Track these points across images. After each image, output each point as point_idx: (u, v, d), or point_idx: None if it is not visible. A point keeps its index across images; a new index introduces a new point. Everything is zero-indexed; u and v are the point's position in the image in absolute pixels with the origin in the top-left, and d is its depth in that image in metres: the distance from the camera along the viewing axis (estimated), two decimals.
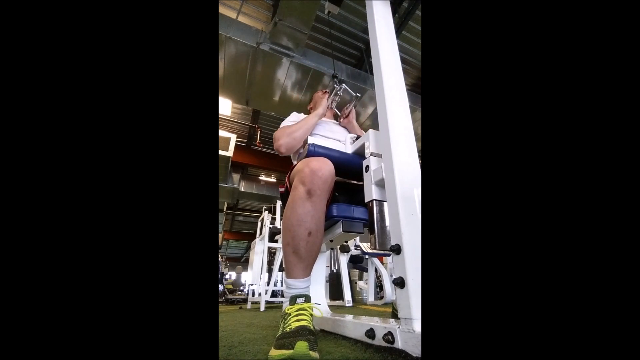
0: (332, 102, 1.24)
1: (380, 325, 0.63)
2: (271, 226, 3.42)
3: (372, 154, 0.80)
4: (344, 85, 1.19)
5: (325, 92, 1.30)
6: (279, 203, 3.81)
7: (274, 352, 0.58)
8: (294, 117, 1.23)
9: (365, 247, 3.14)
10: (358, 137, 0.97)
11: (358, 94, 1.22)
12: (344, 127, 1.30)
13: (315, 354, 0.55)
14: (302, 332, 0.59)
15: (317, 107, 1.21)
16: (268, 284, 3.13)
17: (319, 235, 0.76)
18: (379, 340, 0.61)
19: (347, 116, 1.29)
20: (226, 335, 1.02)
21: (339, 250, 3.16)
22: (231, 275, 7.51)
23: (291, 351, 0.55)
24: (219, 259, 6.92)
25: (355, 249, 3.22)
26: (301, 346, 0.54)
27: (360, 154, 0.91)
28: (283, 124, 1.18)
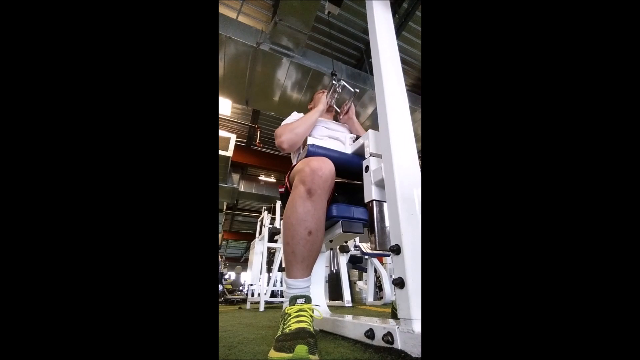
0: (331, 99, 1.25)
1: (380, 326, 0.63)
2: (271, 226, 3.42)
3: (371, 154, 0.80)
4: (342, 82, 1.22)
5: (324, 91, 1.32)
6: (278, 203, 3.80)
7: (273, 354, 0.57)
8: (295, 116, 1.24)
9: (365, 247, 3.14)
10: (358, 137, 0.97)
11: (356, 90, 1.25)
12: (345, 124, 1.31)
13: (315, 357, 0.54)
14: (301, 335, 0.58)
15: (317, 104, 1.22)
16: (268, 285, 3.12)
17: (319, 235, 0.76)
18: (378, 341, 0.61)
19: (347, 112, 1.30)
20: (226, 335, 1.02)
21: (338, 251, 3.16)
22: (230, 275, 7.51)
23: (291, 355, 0.54)
24: (219, 259, 6.92)
25: (355, 250, 3.22)
26: (301, 350, 0.54)
27: (360, 154, 0.91)
28: (284, 122, 1.19)
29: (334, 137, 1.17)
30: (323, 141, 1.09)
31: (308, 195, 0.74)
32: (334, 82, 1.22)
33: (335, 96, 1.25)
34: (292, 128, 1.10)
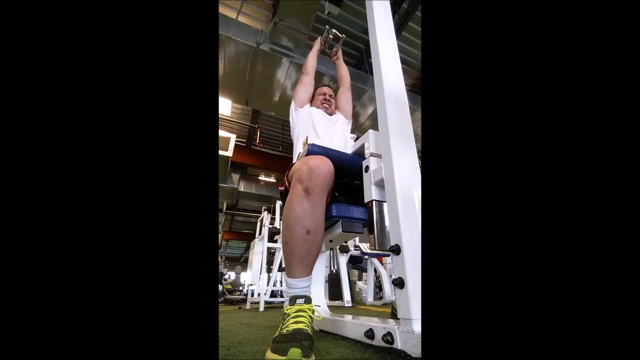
0: (324, 42, 1.61)
1: (380, 326, 0.63)
2: (270, 226, 3.42)
3: (371, 155, 0.80)
4: (333, 30, 1.57)
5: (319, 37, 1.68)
6: (278, 203, 3.80)
7: (269, 355, 0.57)
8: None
9: (365, 247, 3.14)
10: (357, 138, 0.97)
11: (343, 35, 1.61)
12: (338, 115, 1.55)
13: None
14: (297, 337, 0.58)
15: (314, 45, 1.61)
16: (267, 285, 3.12)
17: (319, 234, 0.75)
18: (378, 341, 0.61)
19: (336, 54, 1.67)
20: (225, 335, 1.02)
21: (338, 251, 3.16)
22: (230, 275, 7.51)
23: (284, 358, 0.54)
24: (219, 259, 6.92)
25: (355, 249, 3.22)
26: (294, 353, 0.54)
27: (359, 154, 0.91)
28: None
29: (330, 124, 1.42)
30: (321, 130, 1.33)
31: (306, 194, 0.74)
32: (327, 26, 1.59)
33: (328, 40, 1.60)
34: (306, 60, 1.57)
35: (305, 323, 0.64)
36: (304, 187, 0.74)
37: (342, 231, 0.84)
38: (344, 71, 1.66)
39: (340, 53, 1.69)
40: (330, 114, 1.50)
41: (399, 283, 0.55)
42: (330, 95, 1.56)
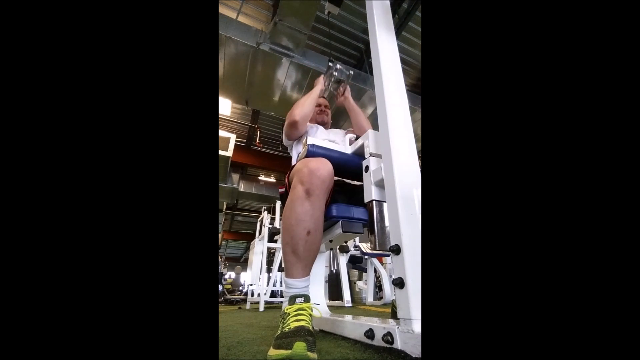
0: (328, 81, 1.30)
1: (380, 326, 0.63)
2: (270, 226, 3.42)
3: (371, 155, 0.80)
4: (338, 65, 1.26)
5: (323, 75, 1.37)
6: (278, 203, 3.80)
7: (272, 352, 0.58)
8: None
9: (365, 247, 3.14)
10: (357, 137, 0.97)
11: (351, 72, 1.29)
12: (341, 130, 1.39)
13: (313, 355, 0.55)
14: (300, 333, 0.59)
15: (316, 85, 1.28)
16: (267, 285, 3.12)
17: (318, 235, 0.77)
18: (378, 341, 0.61)
19: (344, 93, 1.35)
20: (225, 335, 1.02)
21: (338, 251, 3.16)
22: (230, 275, 7.52)
23: (289, 351, 0.55)
24: (219, 259, 6.92)
25: (355, 250, 3.22)
26: (299, 347, 0.55)
27: (359, 154, 0.91)
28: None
29: (331, 139, 1.24)
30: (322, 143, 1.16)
31: (306, 195, 0.75)
32: (330, 64, 1.28)
33: (332, 79, 1.29)
34: (299, 104, 1.18)
35: (306, 321, 0.65)
36: (304, 189, 0.75)
37: (342, 231, 0.84)
38: (359, 117, 1.29)
39: (348, 92, 1.34)
40: (326, 123, 1.42)
41: (399, 283, 0.55)
42: (325, 106, 1.44)
